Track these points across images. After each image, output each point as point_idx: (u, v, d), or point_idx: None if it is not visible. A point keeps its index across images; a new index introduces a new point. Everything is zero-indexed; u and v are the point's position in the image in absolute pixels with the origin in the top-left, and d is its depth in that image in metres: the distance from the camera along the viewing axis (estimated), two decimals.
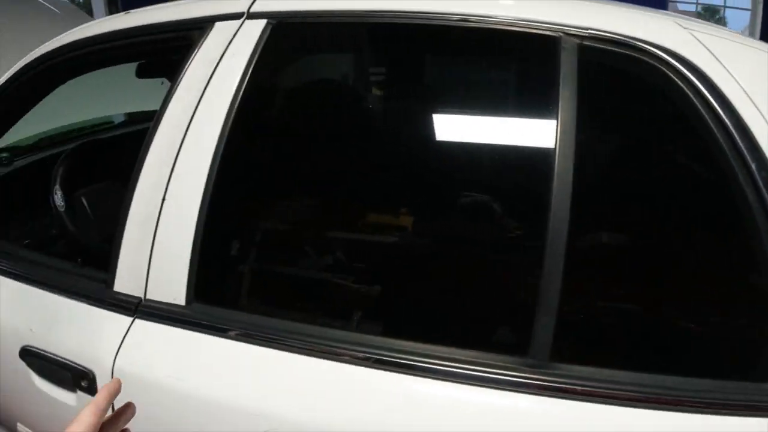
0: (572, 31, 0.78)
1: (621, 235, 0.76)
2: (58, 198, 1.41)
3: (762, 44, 0.86)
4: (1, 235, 1.42)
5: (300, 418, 0.74)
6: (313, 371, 0.75)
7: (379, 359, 0.73)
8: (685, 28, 0.80)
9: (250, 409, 0.76)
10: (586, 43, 0.77)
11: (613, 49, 0.77)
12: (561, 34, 0.78)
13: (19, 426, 1.22)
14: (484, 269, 0.78)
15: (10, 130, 1.40)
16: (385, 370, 0.72)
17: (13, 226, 1.65)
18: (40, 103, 1.33)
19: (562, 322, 0.70)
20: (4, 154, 1.82)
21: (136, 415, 0.85)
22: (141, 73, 1.39)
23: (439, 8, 0.80)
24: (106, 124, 2.22)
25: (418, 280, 0.81)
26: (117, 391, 0.60)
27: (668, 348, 0.74)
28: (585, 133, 0.72)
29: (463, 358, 0.72)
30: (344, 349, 0.74)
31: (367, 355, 0.73)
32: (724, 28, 0.88)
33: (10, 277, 1.11)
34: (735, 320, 0.76)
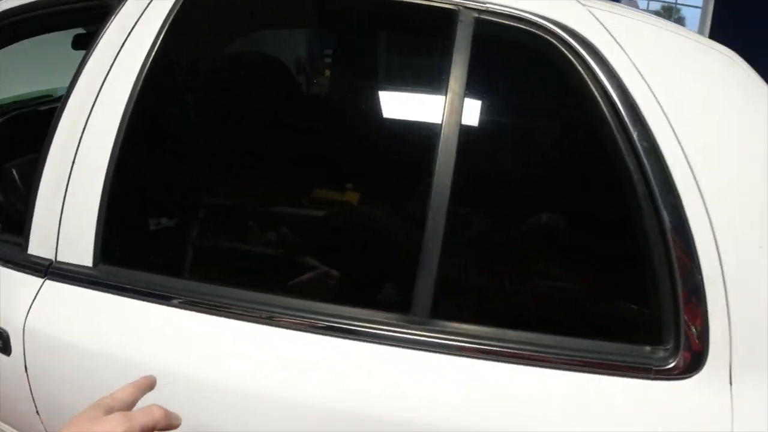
0: (470, 5, 0.80)
1: (507, 199, 0.80)
2: None
3: (661, 21, 0.89)
4: None
5: (194, 372, 0.76)
6: (206, 327, 0.78)
7: (269, 316, 0.76)
8: (583, 5, 0.83)
9: (154, 365, 0.78)
10: (483, 17, 0.80)
11: (509, 23, 0.80)
12: (460, 7, 0.81)
13: None
14: (373, 234, 0.81)
15: None
16: (270, 324, 0.76)
17: None
18: None
19: (443, 282, 0.74)
20: None
21: (48, 373, 0.87)
22: (76, 45, 1.39)
23: None
24: (45, 97, 2.19)
25: (312, 244, 0.83)
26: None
27: (548, 309, 0.78)
28: (473, 106, 0.76)
29: (352, 315, 0.76)
30: (239, 306, 0.77)
31: (247, 311, 0.76)
32: (625, 5, 0.91)
33: None
34: (617, 286, 0.80)
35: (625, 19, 0.83)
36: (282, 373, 0.75)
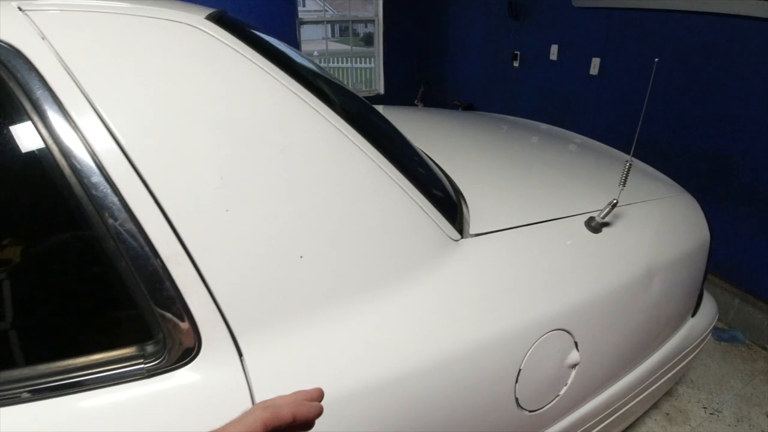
0: None
1: None
2: None
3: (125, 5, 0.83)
4: None
5: None
6: None
7: None
8: (23, 10, 0.77)
9: None
10: None
11: None
12: None
13: None
14: None
15: None
16: None
17: None
18: None
19: None
20: None
21: None
22: None
23: None
24: None
25: None
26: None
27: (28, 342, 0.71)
28: None
29: None
30: None
31: None
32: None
33: None
34: (89, 299, 0.74)
35: (64, 15, 0.78)
36: None
